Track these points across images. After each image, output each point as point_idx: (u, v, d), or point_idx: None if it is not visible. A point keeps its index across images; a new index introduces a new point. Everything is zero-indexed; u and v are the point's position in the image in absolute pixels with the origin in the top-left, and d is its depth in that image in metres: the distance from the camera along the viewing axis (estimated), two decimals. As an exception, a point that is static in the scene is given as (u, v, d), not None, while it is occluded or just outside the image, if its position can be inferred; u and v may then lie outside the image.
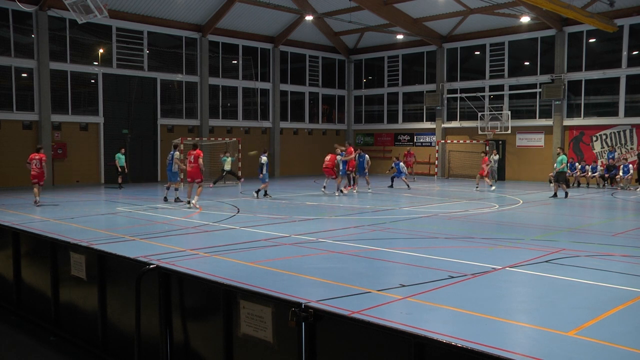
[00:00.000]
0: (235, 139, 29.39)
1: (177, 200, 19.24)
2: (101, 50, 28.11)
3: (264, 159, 20.31)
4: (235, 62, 33.19)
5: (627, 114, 27.58)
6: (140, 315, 5.05)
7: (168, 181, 19.89)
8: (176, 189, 19.61)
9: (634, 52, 27.41)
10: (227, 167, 26.42)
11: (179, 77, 30.57)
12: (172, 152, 19.81)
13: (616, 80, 27.87)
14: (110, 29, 27.75)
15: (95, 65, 27.84)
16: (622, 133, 27.69)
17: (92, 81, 27.77)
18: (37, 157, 18.09)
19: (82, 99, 27.85)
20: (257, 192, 20.63)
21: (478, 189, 24.55)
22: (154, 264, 5.07)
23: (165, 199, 19.44)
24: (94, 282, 5.87)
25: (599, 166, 27.22)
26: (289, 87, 35.65)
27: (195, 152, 17.72)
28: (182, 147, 21.15)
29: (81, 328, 6.21)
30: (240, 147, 28.69)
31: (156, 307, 4.97)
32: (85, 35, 27.39)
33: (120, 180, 24.82)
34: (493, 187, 24.69)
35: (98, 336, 5.81)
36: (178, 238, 12.39)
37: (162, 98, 30.06)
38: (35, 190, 17.89)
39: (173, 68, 30.39)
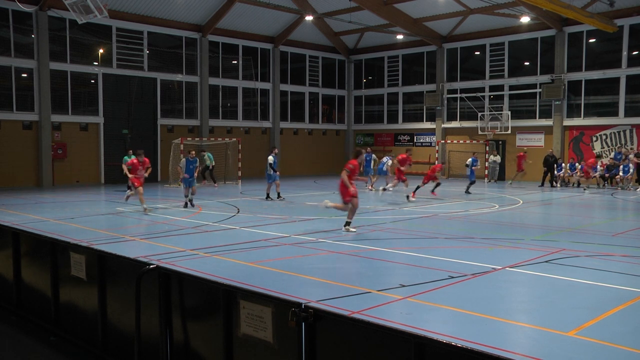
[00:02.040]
0: (235, 139, 29.39)
1: (188, 204, 17.63)
2: (101, 51, 28.11)
3: (270, 158, 19.73)
4: (235, 62, 33.19)
5: (627, 114, 27.59)
6: (140, 315, 5.05)
7: (192, 186, 17.65)
8: (192, 194, 17.73)
9: (634, 52, 27.42)
10: (207, 162, 26.06)
11: (179, 77, 30.57)
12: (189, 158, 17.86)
13: (616, 80, 27.88)
14: (110, 29, 27.76)
15: (95, 65, 27.85)
16: (622, 133, 27.69)
17: (92, 81, 27.78)
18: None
19: (82, 99, 27.85)
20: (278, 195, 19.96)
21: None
22: (154, 264, 5.07)
23: (188, 203, 17.66)
24: (94, 282, 5.87)
25: (599, 166, 27.22)
26: (289, 87, 35.65)
27: None
28: (193, 153, 18.55)
29: (81, 328, 6.21)
30: (240, 148, 28.68)
31: (156, 307, 4.97)
32: (85, 36, 27.39)
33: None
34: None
35: (98, 336, 5.81)
36: (178, 238, 12.39)
37: (162, 98, 30.05)
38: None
39: (173, 68, 30.38)
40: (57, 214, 16.19)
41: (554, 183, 26.87)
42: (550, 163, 26.72)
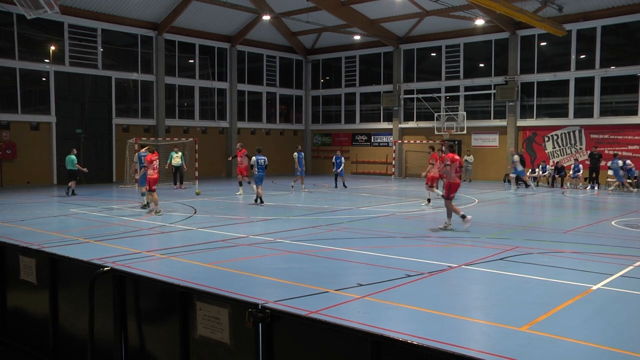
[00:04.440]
0: (192, 139, 29.03)
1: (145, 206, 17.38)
2: (53, 48, 27.35)
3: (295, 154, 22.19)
4: (192, 61, 32.81)
5: (576, 115, 28.47)
6: (94, 319, 4.93)
7: (143, 186, 17.47)
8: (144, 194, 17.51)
9: (582, 56, 28.33)
10: (175, 162, 25.41)
11: (134, 76, 30.01)
12: (145, 153, 17.62)
13: (566, 82, 28.73)
14: (62, 25, 27.01)
15: (47, 62, 27.08)
16: (571, 134, 28.55)
17: (44, 79, 26.99)
18: (156, 158, 16.44)
19: (32, 97, 27.01)
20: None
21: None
22: (108, 267, 4.96)
23: (146, 206, 17.23)
24: (45, 287, 5.70)
25: (548, 166, 28.00)
26: (246, 87, 35.44)
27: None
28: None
29: (31, 334, 6.02)
30: (197, 148, 28.35)
31: (110, 311, 4.86)
32: (35, 32, 26.59)
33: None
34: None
35: (49, 342, 5.64)
36: (134, 240, 12.17)
37: (117, 97, 29.44)
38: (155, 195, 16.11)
39: (128, 67, 29.81)
40: (5, 216, 15.67)
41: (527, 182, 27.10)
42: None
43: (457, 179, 13.80)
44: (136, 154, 18.31)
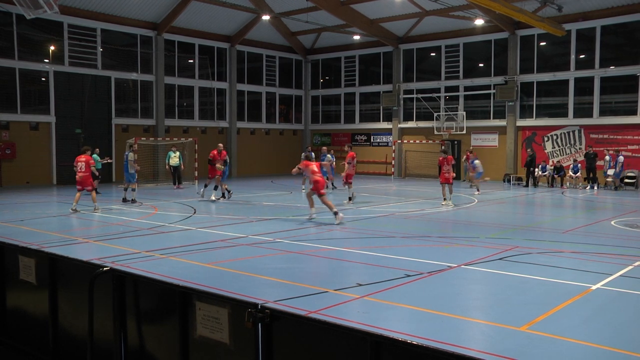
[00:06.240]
0: (191, 139, 29.01)
1: (133, 201, 18.78)
2: (52, 48, 27.33)
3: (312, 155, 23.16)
4: (192, 61, 32.80)
5: (575, 115, 28.47)
6: (94, 319, 4.93)
7: (126, 182, 19.28)
8: (133, 190, 19.00)
9: (581, 56, 28.34)
10: (173, 162, 25.25)
11: (133, 75, 30.00)
12: (127, 153, 19.57)
13: (565, 82, 28.73)
14: (62, 25, 26.99)
15: (46, 62, 27.06)
16: (571, 134, 28.55)
17: (43, 79, 26.97)
18: (82, 160, 16.74)
19: (32, 97, 27.00)
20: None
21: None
22: (107, 267, 4.96)
23: (124, 200, 18.99)
24: (44, 287, 5.70)
25: (548, 166, 27.98)
26: (245, 87, 35.43)
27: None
28: (136, 147, 21.30)
29: (31, 334, 6.02)
30: (197, 148, 28.32)
31: (110, 311, 4.86)
32: (34, 32, 26.57)
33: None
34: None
35: (49, 342, 5.64)
36: (133, 240, 12.16)
37: (117, 97, 29.42)
38: (78, 195, 16.64)
39: (128, 67, 29.80)
40: (5, 216, 15.66)
41: (532, 182, 26.96)
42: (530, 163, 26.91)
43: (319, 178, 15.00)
44: (125, 153, 19.80)
